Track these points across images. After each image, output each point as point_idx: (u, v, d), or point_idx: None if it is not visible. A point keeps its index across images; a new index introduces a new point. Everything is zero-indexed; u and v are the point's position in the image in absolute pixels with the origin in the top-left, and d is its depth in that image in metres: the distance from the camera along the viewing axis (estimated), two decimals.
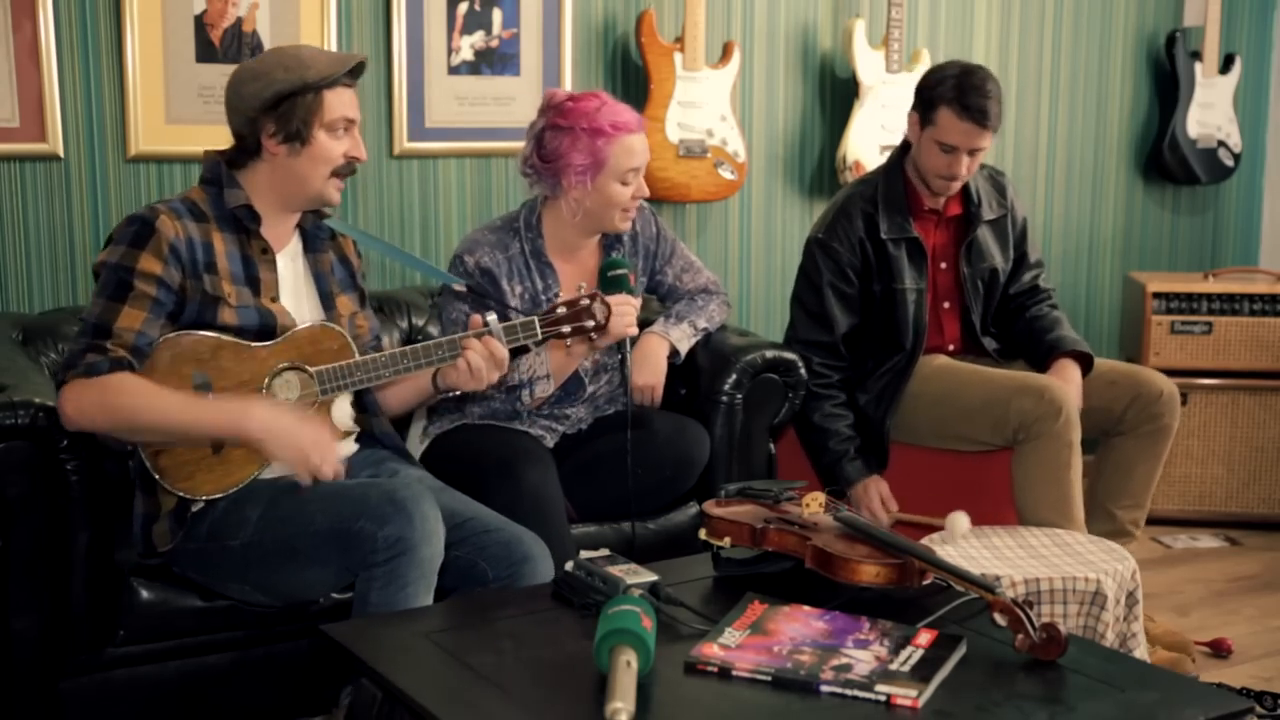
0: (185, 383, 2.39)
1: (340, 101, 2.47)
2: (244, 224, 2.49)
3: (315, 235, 2.61)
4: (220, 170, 2.51)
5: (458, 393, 2.59)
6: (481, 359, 2.48)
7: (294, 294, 2.55)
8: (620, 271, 2.89)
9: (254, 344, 2.44)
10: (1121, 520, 3.32)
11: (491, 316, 2.51)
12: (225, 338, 2.42)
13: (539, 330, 2.54)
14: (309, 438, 2.37)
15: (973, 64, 3.24)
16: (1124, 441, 3.32)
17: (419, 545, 2.28)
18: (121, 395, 2.31)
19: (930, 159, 3.23)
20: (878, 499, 3.29)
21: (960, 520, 2.90)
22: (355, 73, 2.52)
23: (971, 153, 3.19)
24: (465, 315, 2.75)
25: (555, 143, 2.87)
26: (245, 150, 2.50)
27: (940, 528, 2.97)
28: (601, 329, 2.59)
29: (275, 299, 2.50)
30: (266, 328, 2.46)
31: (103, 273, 2.40)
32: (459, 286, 2.64)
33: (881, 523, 3.22)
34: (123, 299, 2.37)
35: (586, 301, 2.57)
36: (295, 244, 2.59)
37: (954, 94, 3.14)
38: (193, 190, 2.53)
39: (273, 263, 2.52)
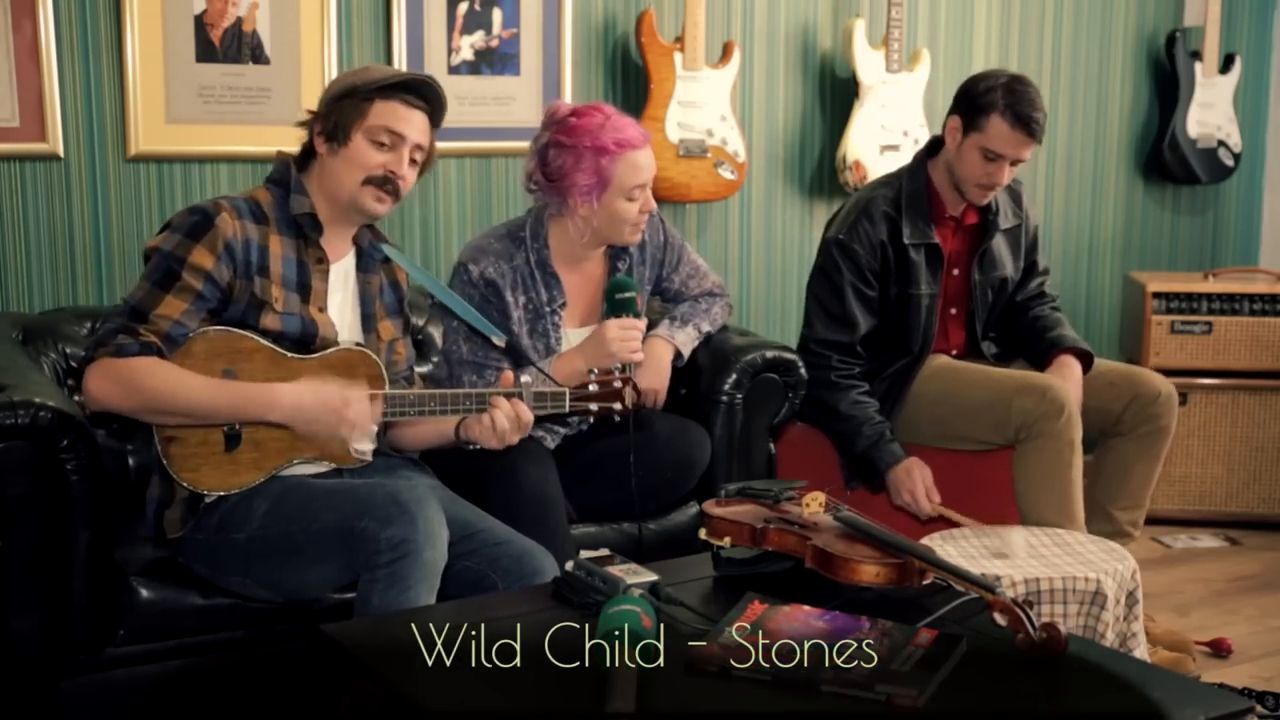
0: (215, 376, 2.41)
1: (389, 112, 2.49)
2: (304, 231, 2.52)
3: (370, 256, 2.63)
4: (290, 174, 2.54)
5: (475, 447, 2.57)
6: (507, 420, 2.47)
7: (340, 308, 2.57)
8: (628, 294, 2.86)
9: (289, 354, 2.46)
10: (1120, 521, 3.32)
11: (526, 378, 2.52)
12: (263, 342, 2.44)
13: (568, 405, 2.55)
14: (334, 406, 2.38)
15: (1016, 72, 3.23)
16: (1122, 442, 3.32)
17: (422, 548, 2.28)
18: (146, 377, 2.34)
19: (971, 166, 3.20)
20: (921, 485, 3.19)
21: (1016, 542, 2.84)
22: (427, 97, 2.52)
23: (1014, 163, 3.18)
24: (496, 369, 2.79)
25: (559, 161, 2.84)
26: (307, 151, 2.55)
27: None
28: (626, 412, 2.59)
29: (323, 309, 2.52)
30: (307, 335, 2.48)
31: (154, 258, 2.43)
32: (499, 342, 2.63)
33: (923, 510, 3.18)
34: (167, 288, 2.39)
35: (619, 385, 2.57)
36: (350, 260, 2.61)
37: (1006, 102, 3.12)
38: (258, 190, 2.56)
39: (326, 272, 2.54)
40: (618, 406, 2.57)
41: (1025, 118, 3.11)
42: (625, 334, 2.81)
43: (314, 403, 2.38)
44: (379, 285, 2.65)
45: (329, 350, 2.49)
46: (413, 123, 2.52)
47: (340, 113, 2.48)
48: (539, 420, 2.92)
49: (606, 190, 2.83)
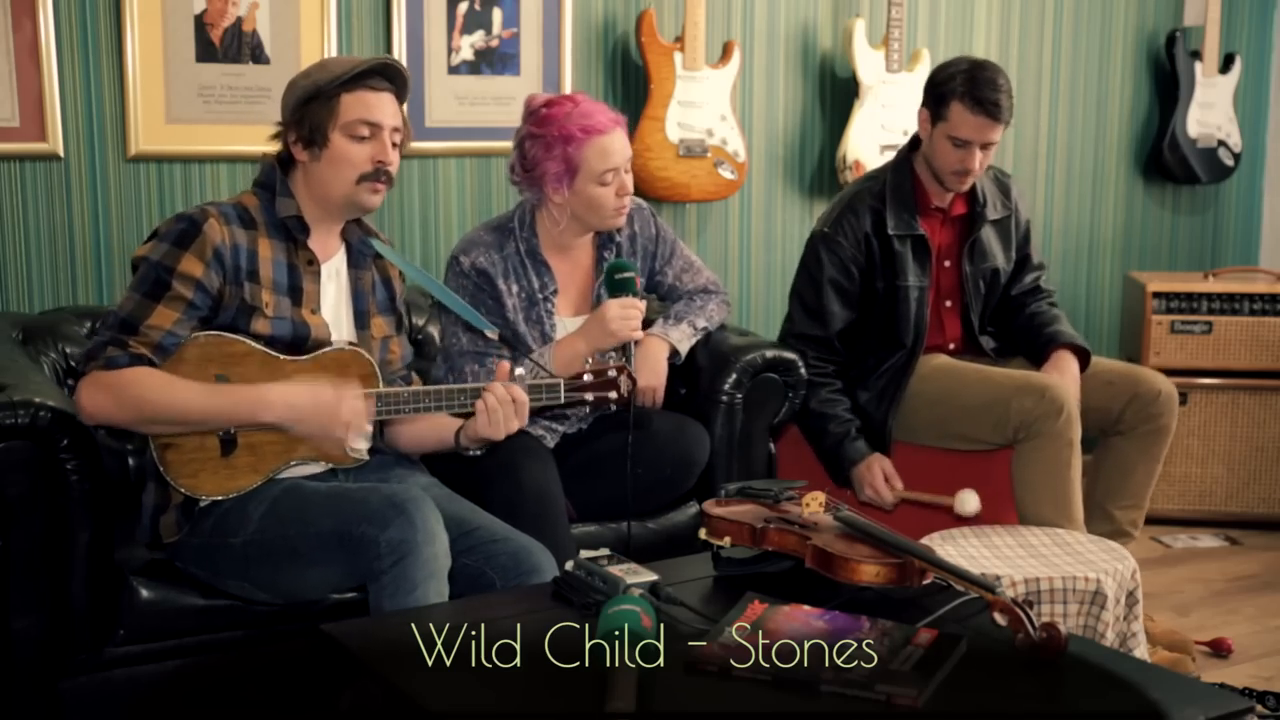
0: (207, 382, 2.39)
1: (359, 104, 2.46)
2: (292, 234, 2.50)
3: (361, 252, 2.61)
4: (275, 176, 2.52)
5: (478, 452, 2.57)
6: (500, 403, 2.44)
7: (334, 308, 2.56)
8: (627, 274, 2.89)
9: (282, 357, 2.45)
10: (1120, 520, 3.32)
11: (520, 371, 2.51)
12: (256, 345, 2.43)
13: (562, 394, 2.54)
14: (328, 403, 2.37)
15: (981, 58, 3.25)
16: (1122, 441, 3.32)
17: (422, 545, 2.28)
18: (138, 388, 2.33)
19: (943, 155, 3.23)
20: (881, 476, 3.24)
21: (969, 499, 2.89)
22: (388, 77, 2.50)
23: (984, 147, 3.20)
24: (487, 360, 2.80)
25: (533, 151, 2.87)
26: (286, 160, 2.52)
27: (945, 507, 2.97)
28: (622, 401, 2.58)
29: (315, 311, 2.51)
30: (299, 339, 2.47)
31: (142, 267, 2.40)
32: (491, 334, 2.63)
33: (885, 500, 3.22)
34: (158, 298, 2.37)
35: (613, 374, 2.57)
36: (340, 257, 2.60)
37: (965, 88, 3.16)
38: (245, 195, 2.54)
39: (317, 274, 2.52)
40: (613, 396, 2.57)
41: (984, 100, 3.14)
42: (626, 313, 2.82)
43: (307, 401, 2.37)
44: (371, 281, 2.63)
45: (321, 351, 2.49)
46: (384, 108, 2.49)
47: (312, 116, 2.45)
48: (538, 418, 2.94)
49: (576, 176, 2.86)
